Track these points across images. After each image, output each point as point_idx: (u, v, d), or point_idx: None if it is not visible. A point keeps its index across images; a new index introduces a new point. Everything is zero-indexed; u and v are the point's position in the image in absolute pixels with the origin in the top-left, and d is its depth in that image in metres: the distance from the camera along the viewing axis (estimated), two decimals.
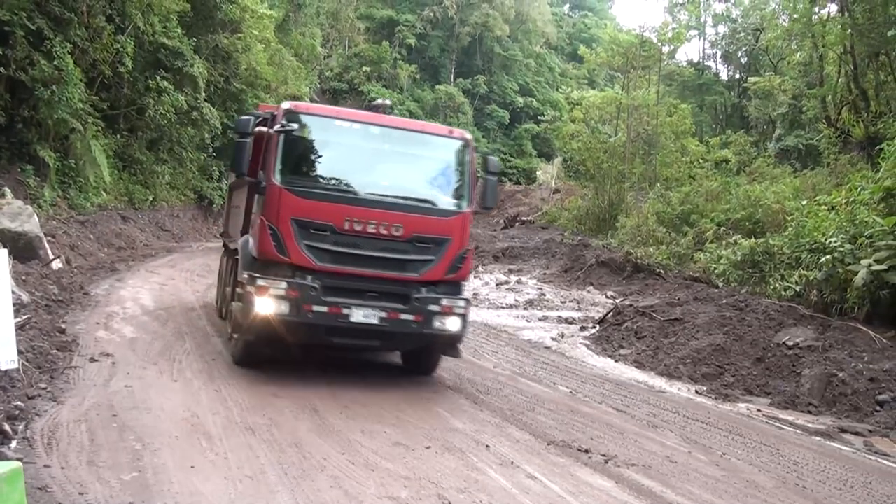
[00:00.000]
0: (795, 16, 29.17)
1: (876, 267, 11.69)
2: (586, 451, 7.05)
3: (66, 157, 20.84)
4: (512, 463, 6.54)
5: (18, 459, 4.82)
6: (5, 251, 8.19)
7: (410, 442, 6.75)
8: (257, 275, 8.20)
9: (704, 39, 49.95)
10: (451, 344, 8.97)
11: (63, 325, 10.02)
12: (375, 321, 8.32)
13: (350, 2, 57.54)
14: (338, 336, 8.40)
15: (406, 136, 9.11)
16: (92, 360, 8.54)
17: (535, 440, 7.34)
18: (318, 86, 51.93)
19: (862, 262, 11.93)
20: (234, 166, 8.69)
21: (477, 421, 7.88)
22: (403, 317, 8.44)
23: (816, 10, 27.17)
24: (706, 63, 50.20)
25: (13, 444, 5.56)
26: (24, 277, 11.97)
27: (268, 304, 8.03)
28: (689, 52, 60.35)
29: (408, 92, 61.19)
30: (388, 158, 9.04)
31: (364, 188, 8.55)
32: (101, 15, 21.73)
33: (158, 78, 24.73)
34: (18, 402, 6.40)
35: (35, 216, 14.87)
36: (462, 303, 8.83)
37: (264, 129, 8.87)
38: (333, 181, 8.60)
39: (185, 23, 27.40)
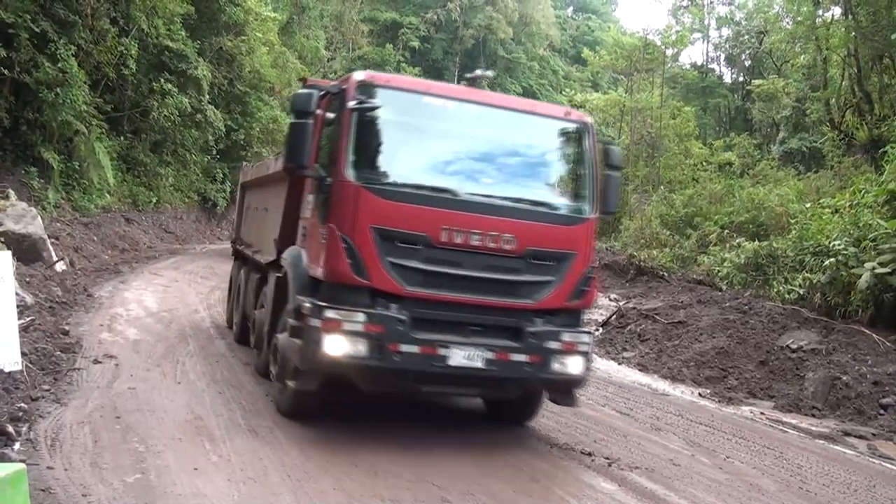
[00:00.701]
0: (799, 19, 29.13)
1: (880, 270, 11.68)
2: (590, 454, 7.04)
3: (70, 159, 20.89)
4: (515, 466, 6.53)
5: (22, 461, 4.82)
6: (9, 253, 8.24)
7: (414, 445, 6.74)
8: (324, 303, 6.25)
9: (708, 42, 49.92)
10: (566, 390, 7.13)
11: (67, 327, 10.04)
12: (480, 364, 6.43)
13: (354, 4, 57.56)
14: (429, 384, 6.53)
15: (513, 119, 7.19)
16: (95, 361, 8.56)
17: (538, 443, 7.34)
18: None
19: (865, 265, 11.92)
20: (290, 156, 6.57)
21: (480, 424, 7.87)
22: (515, 357, 6.56)
23: (820, 12, 27.14)
24: (710, 66, 50.17)
25: (17, 445, 5.56)
26: (27, 279, 12.00)
27: (340, 343, 6.16)
28: (693, 54, 60.54)
29: None
30: (492, 147, 7.19)
31: (464, 187, 6.63)
32: (106, 17, 21.78)
33: (162, 80, 24.76)
34: (22, 404, 6.40)
35: (39, 218, 14.90)
36: (586, 338, 6.98)
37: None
38: (424, 177, 6.63)
39: (189, 25, 27.45)
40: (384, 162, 6.69)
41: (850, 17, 23.75)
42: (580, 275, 6.86)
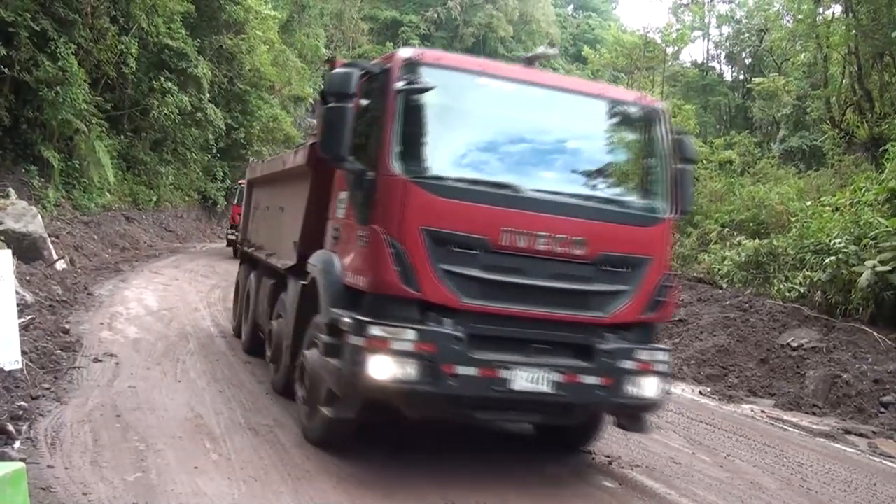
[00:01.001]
0: (800, 17, 29.09)
1: (880, 268, 11.67)
2: (590, 452, 7.05)
3: (71, 157, 20.92)
4: (517, 464, 6.53)
5: (22, 460, 4.82)
6: (9, 252, 8.25)
7: (415, 442, 6.73)
8: (367, 318, 5.45)
9: (708, 40, 49.83)
10: (636, 415, 6.31)
11: (67, 326, 10.04)
12: (546, 388, 5.63)
13: (354, 3, 57.54)
14: (486, 410, 5.82)
15: (580, 104, 6.38)
16: (96, 360, 8.55)
17: (539, 441, 7.33)
18: (323, 87, 52.05)
19: (866, 263, 11.91)
20: (326, 147, 5.76)
21: (481, 423, 7.86)
22: (585, 380, 5.76)
23: (820, 10, 27.10)
24: (710, 64, 50.09)
25: (17, 444, 5.56)
26: (28, 278, 11.99)
27: (386, 365, 5.35)
28: (694, 52, 60.47)
29: None
30: (556, 136, 6.39)
31: (526, 182, 5.80)
32: (106, 16, 21.80)
33: (162, 79, 24.81)
34: (22, 403, 6.40)
35: (39, 217, 14.90)
36: (663, 356, 6.19)
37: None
38: (481, 170, 5.86)
39: (189, 24, 27.48)
40: (435, 153, 5.79)
41: (850, 15, 23.72)
42: (656, 283, 6.07)
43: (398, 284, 5.44)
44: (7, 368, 6.89)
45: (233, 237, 23.34)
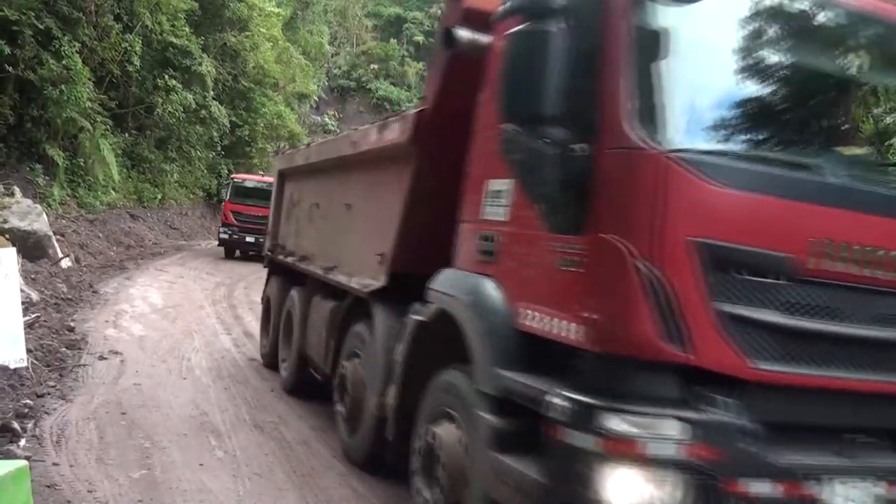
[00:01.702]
0: None
1: None
2: None
3: (75, 156, 20.95)
4: None
5: (27, 458, 4.82)
6: (14, 250, 8.26)
7: None
8: (597, 401, 3.09)
9: None
10: None
11: (72, 324, 10.04)
12: None
13: None
14: None
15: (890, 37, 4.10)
16: (101, 358, 8.55)
17: None
18: (326, 84, 52.03)
19: None
20: (519, 103, 3.41)
21: None
22: None
23: None
24: None
25: (22, 442, 5.56)
26: (33, 276, 12.02)
27: (635, 483, 3.04)
28: None
29: (416, 89, 61.17)
30: (863, 88, 4.38)
31: (838, 165, 3.68)
32: (109, 14, 21.82)
33: (167, 76, 24.83)
34: (27, 401, 6.40)
35: (44, 215, 14.93)
36: None
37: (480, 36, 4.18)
38: (769, 143, 3.74)
39: (192, 21, 27.47)
40: (701, 112, 3.52)
41: None
42: None
43: (654, 340, 3.10)
44: (12, 366, 6.90)
45: (225, 236, 23.34)
